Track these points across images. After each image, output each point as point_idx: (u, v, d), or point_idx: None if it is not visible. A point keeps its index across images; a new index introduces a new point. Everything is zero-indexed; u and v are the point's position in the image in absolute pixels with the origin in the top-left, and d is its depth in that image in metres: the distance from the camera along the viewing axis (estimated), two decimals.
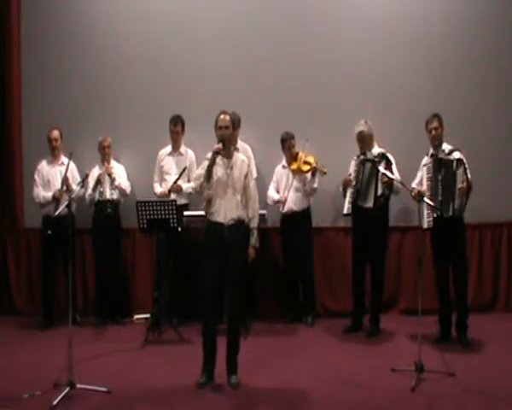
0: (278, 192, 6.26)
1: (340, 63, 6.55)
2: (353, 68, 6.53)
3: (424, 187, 5.27)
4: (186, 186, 6.14)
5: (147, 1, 6.72)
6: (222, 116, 4.58)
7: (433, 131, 5.36)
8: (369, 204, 5.59)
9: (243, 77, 6.57)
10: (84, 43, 6.71)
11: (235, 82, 6.54)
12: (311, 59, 6.56)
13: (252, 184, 4.64)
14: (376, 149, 5.78)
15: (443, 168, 5.22)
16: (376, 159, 5.58)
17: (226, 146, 4.51)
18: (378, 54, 6.53)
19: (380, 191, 5.56)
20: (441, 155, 5.32)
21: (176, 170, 6.21)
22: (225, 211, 4.48)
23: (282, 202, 6.13)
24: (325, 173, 5.95)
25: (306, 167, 6.00)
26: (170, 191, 6.08)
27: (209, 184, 4.46)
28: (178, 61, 6.62)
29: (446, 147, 5.38)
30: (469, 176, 5.18)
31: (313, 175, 6.02)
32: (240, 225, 4.51)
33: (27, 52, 6.74)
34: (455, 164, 5.18)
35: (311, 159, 6.01)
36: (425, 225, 5.25)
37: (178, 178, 6.07)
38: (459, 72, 6.49)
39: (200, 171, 4.55)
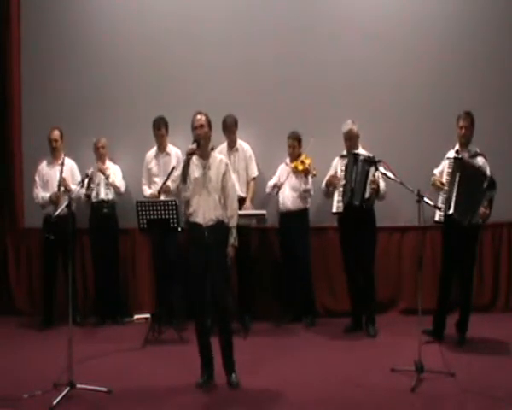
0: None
1: (341, 63, 6.54)
2: (353, 68, 6.52)
3: (444, 180, 5.27)
4: (174, 187, 6.14)
5: (147, 1, 6.72)
6: (198, 116, 4.56)
7: (463, 130, 5.30)
8: (357, 202, 5.57)
9: (244, 76, 6.56)
10: (84, 44, 6.72)
11: (236, 81, 6.54)
12: (312, 59, 6.56)
13: (230, 183, 4.58)
14: (361, 151, 5.78)
15: (463, 170, 5.14)
16: (374, 160, 5.57)
17: (202, 146, 4.48)
18: (378, 54, 6.52)
19: (367, 195, 5.55)
20: (465, 156, 5.26)
21: (163, 171, 6.18)
22: (204, 211, 4.45)
23: (278, 186, 6.14)
24: (314, 175, 6.00)
25: (301, 167, 6.02)
26: (159, 192, 6.06)
27: (185, 185, 4.45)
28: (178, 62, 6.62)
29: (473, 148, 5.33)
30: (492, 203, 5.15)
31: (306, 176, 6.03)
32: (219, 225, 4.49)
33: (27, 52, 6.75)
34: (486, 183, 5.06)
35: (307, 160, 6.02)
36: (436, 218, 5.26)
37: (167, 179, 6.02)
38: (459, 72, 6.48)
39: (178, 173, 4.54)
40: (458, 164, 5.19)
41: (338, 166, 5.82)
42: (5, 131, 6.76)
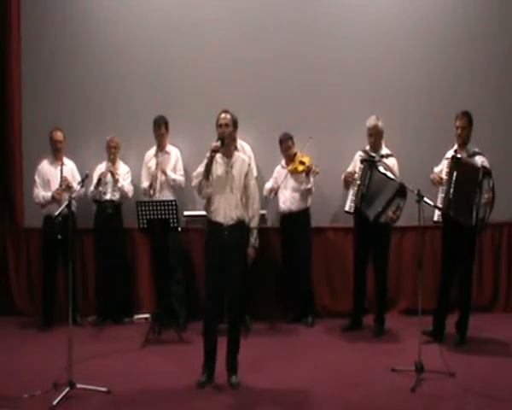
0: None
1: (341, 63, 6.54)
2: (353, 68, 6.52)
3: (443, 179, 5.26)
4: (171, 174, 6.14)
5: (147, 1, 6.72)
6: (223, 115, 4.58)
7: (459, 130, 5.29)
8: (372, 216, 5.46)
9: (243, 77, 6.56)
10: (83, 43, 6.71)
11: (236, 82, 6.54)
12: (312, 59, 6.55)
13: (252, 183, 4.60)
14: (384, 150, 5.75)
15: (460, 168, 5.14)
16: (376, 159, 5.56)
17: (226, 144, 4.49)
18: (378, 53, 6.53)
19: (383, 219, 5.43)
20: (463, 155, 5.25)
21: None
22: (225, 210, 4.46)
23: (275, 190, 6.13)
24: (317, 173, 5.97)
25: (301, 168, 6.02)
26: (154, 174, 6.07)
27: (208, 182, 4.45)
28: (178, 62, 6.62)
29: (471, 148, 5.31)
30: (493, 188, 5.12)
31: (307, 175, 6.02)
32: (240, 225, 4.49)
33: (27, 52, 6.74)
34: (481, 173, 5.07)
35: (306, 159, 6.02)
36: (435, 218, 5.26)
37: (157, 160, 6.10)
38: (459, 72, 6.49)
39: (199, 169, 4.54)
40: (456, 163, 5.19)
41: (357, 161, 5.71)
42: (5, 131, 6.75)
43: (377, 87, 6.50)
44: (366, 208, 5.52)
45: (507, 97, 6.50)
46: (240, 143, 6.28)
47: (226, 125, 4.53)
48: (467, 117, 5.30)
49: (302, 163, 6.02)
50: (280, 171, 6.26)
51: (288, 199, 6.15)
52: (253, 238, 4.53)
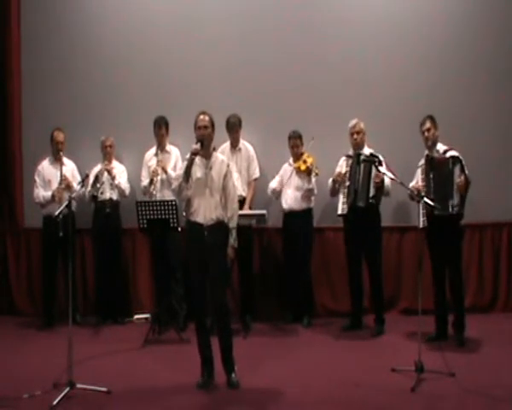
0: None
1: (342, 63, 6.55)
2: (354, 68, 6.53)
3: (420, 187, 5.29)
4: (171, 172, 6.09)
5: (147, 1, 6.72)
6: (201, 116, 4.57)
7: (426, 133, 5.38)
8: (362, 203, 5.60)
9: (246, 77, 6.57)
10: (84, 43, 6.72)
11: (238, 82, 6.55)
12: (313, 59, 6.56)
13: (231, 183, 4.59)
14: (367, 150, 5.80)
15: (435, 167, 5.24)
16: (376, 159, 5.58)
17: (205, 146, 4.50)
18: (379, 54, 6.54)
19: (372, 193, 5.57)
20: (435, 156, 5.32)
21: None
22: (204, 211, 4.46)
23: (277, 192, 6.15)
24: (317, 175, 5.98)
25: (303, 166, 6.02)
26: (155, 170, 6.07)
27: (188, 184, 4.46)
28: (179, 62, 6.63)
29: (441, 147, 5.39)
30: (467, 172, 5.17)
31: (309, 175, 6.03)
32: (219, 225, 4.49)
33: (27, 52, 6.75)
34: (451, 162, 5.19)
35: (309, 159, 6.02)
36: (420, 225, 5.27)
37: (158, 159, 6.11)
38: (458, 72, 6.49)
39: (179, 172, 4.56)
40: (430, 164, 5.26)
41: (343, 165, 5.82)
42: (5, 130, 6.76)
43: (379, 87, 6.50)
44: (361, 201, 5.59)
45: (507, 98, 6.50)
46: (243, 143, 6.30)
47: (205, 127, 4.53)
48: (431, 119, 5.41)
49: (305, 163, 6.02)
50: (286, 168, 6.26)
51: (290, 198, 6.14)
52: (232, 239, 4.52)
